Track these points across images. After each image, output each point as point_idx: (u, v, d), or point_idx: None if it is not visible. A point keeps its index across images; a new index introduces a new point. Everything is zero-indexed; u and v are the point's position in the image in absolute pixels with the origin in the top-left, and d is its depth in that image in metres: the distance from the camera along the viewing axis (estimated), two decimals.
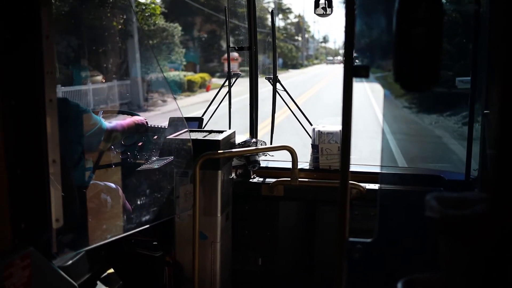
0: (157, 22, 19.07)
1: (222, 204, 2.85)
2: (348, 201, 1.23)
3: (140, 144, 3.22)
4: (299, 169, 3.05)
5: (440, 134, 10.92)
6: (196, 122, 3.37)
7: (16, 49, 1.62)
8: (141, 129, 3.11)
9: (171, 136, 2.85)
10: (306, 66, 56.24)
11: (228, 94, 3.62)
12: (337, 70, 44.62)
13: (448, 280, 1.22)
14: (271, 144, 3.42)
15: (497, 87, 1.09)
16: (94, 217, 2.61)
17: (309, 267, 3.16)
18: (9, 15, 1.59)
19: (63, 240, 1.86)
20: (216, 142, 2.79)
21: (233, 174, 3.15)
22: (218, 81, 24.96)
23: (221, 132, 3.00)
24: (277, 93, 3.56)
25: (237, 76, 3.72)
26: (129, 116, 3.23)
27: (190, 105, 16.48)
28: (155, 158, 3.01)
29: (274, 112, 3.70)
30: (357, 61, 1.21)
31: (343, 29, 1.18)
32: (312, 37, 72.55)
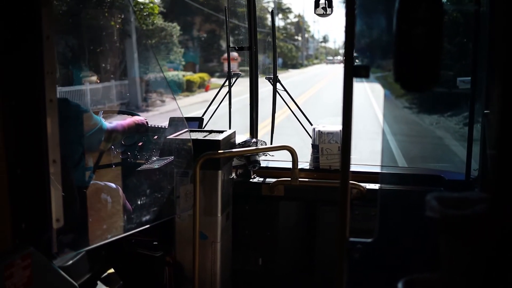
0: (155, 21, 19.03)
1: (223, 204, 2.85)
2: (349, 201, 1.23)
3: (140, 144, 3.22)
4: (300, 169, 3.05)
5: (441, 135, 10.82)
6: (196, 122, 3.37)
7: (17, 49, 1.62)
8: (141, 129, 3.11)
9: (171, 136, 2.85)
10: (306, 66, 56.23)
11: (228, 94, 3.62)
12: (337, 70, 44.61)
13: (448, 280, 1.22)
14: (271, 144, 3.42)
15: (497, 87, 1.09)
16: (94, 217, 2.61)
17: (310, 267, 3.17)
18: (9, 16, 1.60)
19: (63, 240, 1.86)
20: (217, 142, 2.79)
21: (234, 174, 3.15)
22: (217, 81, 24.93)
23: (221, 132, 3.00)
24: (277, 93, 3.56)
25: (237, 76, 3.72)
26: (129, 116, 3.23)
27: (188, 105, 16.39)
28: (155, 158, 3.01)
29: (274, 112, 3.70)
30: (357, 61, 1.21)
31: (343, 29, 1.18)
32: (312, 37, 72.56)
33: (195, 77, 23.27)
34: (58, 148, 1.68)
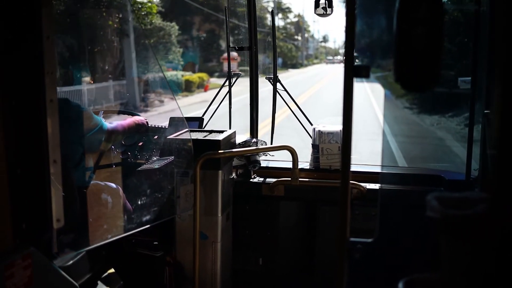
0: (153, 21, 18.98)
1: (223, 204, 2.85)
2: (349, 201, 1.23)
3: (140, 144, 3.22)
4: (300, 169, 3.05)
5: (443, 136, 10.73)
6: (197, 122, 3.37)
7: (17, 49, 1.62)
8: (142, 129, 3.11)
9: (171, 136, 2.85)
10: (306, 65, 56.21)
11: (228, 94, 3.62)
12: (337, 70, 44.58)
13: (448, 280, 1.22)
14: (271, 144, 3.42)
15: (497, 87, 1.09)
16: (94, 217, 2.61)
17: (310, 267, 3.17)
18: (9, 16, 1.60)
19: (64, 240, 1.86)
20: (217, 142, 2.79)
21: (234, 174, 3.15)
22: (217, 81, 24.89)
23: (222, 132, 3.00)
24: (277, 93, 3.56)
25: (238, 76, 3.72)
26: (130, 116, 3.23)
27: (187, 106, 16.26)
28: (155, 158, 3.01)
29: (275, 112, 3.70)
30: (357, 60, 1.21)
31: (344, 28, 1.18)
32: (312, 36, 72.53)
33: (194, 77, 23.19)
34: (58, 148, 1.68)
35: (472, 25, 2.70)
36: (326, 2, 3.07)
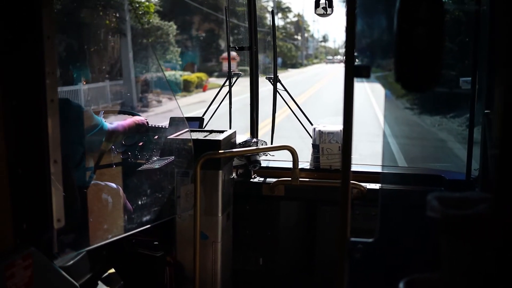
0: (151, 20, 18.91)
1: (223, 204, 2.85)
2: (349, 201, 1.23)
3: (140, 144, 3.22)
4: (300, 169, 3.05)
5: (444, 137, 10.61)
6: (197, 122, 3.37)
7: (17, 49, 1.62)
8: (142, 129, 3.11)
9: (172, 136, 2.85)
10: (306, 65, 56.19)
11: (228, 94, 3.62)
12: (337, 70, 44.54)
13: (449, 280, 1.22)
14: (271, 144, 3.42)
15: (498, 87, 1.09)
16: (95, 217, 2.62)
17: (310, 267, 3.17)
18: (10, 16, 1.60)
19: (64, 240, 1.86)
20: (217, 142, 2.79)
21: (234, 174, 3.15)
22: (216, 80, 24.85)
23: (222, 132, 3.00)
24: (277, 93, 3.56)
25: (238, 75, 3.71)
26: (130, 116, 3.24)
27: (185, 106, 16.07)
28: (156, 158, 3.02)
29: (275, 112, 3.70)
30: (357, 60, 1.21)
31: (344, 28, 1.18)
32: (312, 36, 72.48)
33: (193, 77, 23.08)
34: (59, 148, 1.68)
35: (473, 25, 2.70)
36: (326, 2, 3.06)
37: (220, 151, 2.76)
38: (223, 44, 28.53)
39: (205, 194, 2.79)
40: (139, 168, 2.88)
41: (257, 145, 3.14)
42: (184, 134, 2.86)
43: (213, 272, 2.85)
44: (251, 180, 3.18)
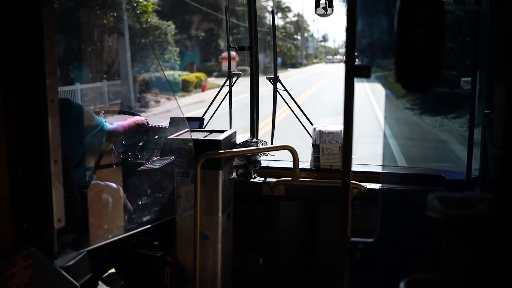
0: (149, 20, 18.83)
1: (223, 204, 2.85)
2: (350, 201, 1.23)
3: (141, 144, 3.22)
4: (300, 168, 3.05)
5: (445, 138, 10.50)
6: (197, 122, 3.37)
7: (18, 49, 1.62)
8: (142, 129, 3.11)
9: (172, 136, 2.85)
10: (306, 65, 56.16)
11: (228, 94, 3.62)
12: (337, 69, 44.51)
13: (449, 280, 1.22)
14: (272, 143, 3.42)
15: (498, 86, 1.09)
16: (95, 217, 2.62)
17: (310, 267, 3.17)
18: (10, 16, 1.60)
19: (64, 240, 1.86)
20: (217, 142, 2.79)
21: (234, 174, 3.15)
22: (215, 80, 24.80)
23: (222, 132, 3.00)
24: (277, 93, 3.56)
25: (238, 75, 3.71)
26: (130, 116, 3.24)
27: (183, 106, 15.92)
28: (156, 158, 3.02)
29: (275, 112, 3.70)
30: (357, 60, 1.21)
31: (344, 28, 1.18)
32: (312, 36, 72.42)
33: (192, 76, 22.94)
34: (59, 148, 1.68)
35: (473, 25, 2.70)
36: (327, 2, 3.06)
37: (220, 151, 2.76)
38: (222, 43, 28.50)
39: (206, 194, 2.79)
40: (139, 168, 2.88)
41: (257, 145, 3.14)
42: (184, 134, 2.87)
43: (213, 272, 2.85)
44: (251, 180, 3.18)
